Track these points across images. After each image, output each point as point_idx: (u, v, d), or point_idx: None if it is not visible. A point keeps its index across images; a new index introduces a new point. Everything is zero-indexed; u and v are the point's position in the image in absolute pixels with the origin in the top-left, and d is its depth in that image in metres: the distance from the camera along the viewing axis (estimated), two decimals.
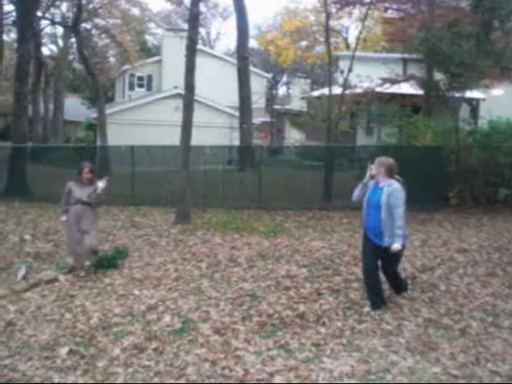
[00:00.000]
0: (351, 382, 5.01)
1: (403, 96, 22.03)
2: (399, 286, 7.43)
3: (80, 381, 5.13)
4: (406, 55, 21.63)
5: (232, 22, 55.74)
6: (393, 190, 6.63)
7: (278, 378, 5.09)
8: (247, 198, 16.06)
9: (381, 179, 6.81)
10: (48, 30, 37.93)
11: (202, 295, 7.69)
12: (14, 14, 24.53)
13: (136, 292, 8.01)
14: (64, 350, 5.84)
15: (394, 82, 21.01)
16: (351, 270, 8.83)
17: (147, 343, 5.97)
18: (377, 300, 6.96)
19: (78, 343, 6.05)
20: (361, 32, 20.52)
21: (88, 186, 9.02)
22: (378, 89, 21.38)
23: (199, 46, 21.66)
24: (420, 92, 19.58)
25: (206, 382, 5.07)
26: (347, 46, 40.11)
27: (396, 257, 6.96)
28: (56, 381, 5.16)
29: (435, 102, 18.41)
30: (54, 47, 43.49)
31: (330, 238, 11.75)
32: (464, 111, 19.09)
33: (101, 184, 8.95)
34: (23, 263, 9.66)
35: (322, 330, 6.28)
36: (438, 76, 16.80)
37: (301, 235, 12.02)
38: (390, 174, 6.79)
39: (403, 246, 6.80)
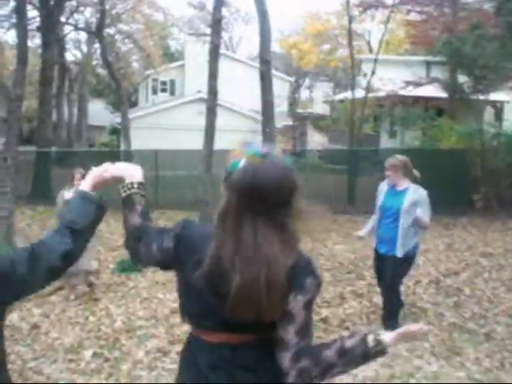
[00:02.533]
0: None
1: (427, 99, 21.90)
2: (393, 308, 6.42)
3: None
4: (429, 58, 21.56)
5: (254, 26, 55.91)
6: (420, 196, 6.01)
7: None
8: None
9: (398, 181, 6.14)
10: (72, 35, 38.30)
11: None
12: (38, 19, 24.78)
13: (160, 295, 8.05)
14: (88, 353, 5.88)
15: (417, 84, 20.93)
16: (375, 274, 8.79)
17: (171, 346, 5.99)
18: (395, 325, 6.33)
19: (102, 346, 6.09)
20: (383, 35, 20.46)
21: None
22: (401, 92, 21.30)
23: (222, 51, 21.69)
24: (444, 95, 19.46)
25: None
26: (370, 49, 39.90)
27: (405, 267, 6.26)
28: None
29: (459, 104, 18.29)
30: (77, 53, 43.88)
31: (354, 241, 11.70)
32: (488, 114, 18.92)
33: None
34: None
35: (346, 334, 6.25)
36: (462, 78, 16.71)
37: (324, 239, 12.00)
38: (408, 173, 6.15)
39: (413, 256, 6.27)
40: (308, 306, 2.05)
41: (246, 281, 1.97)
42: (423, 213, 5.95)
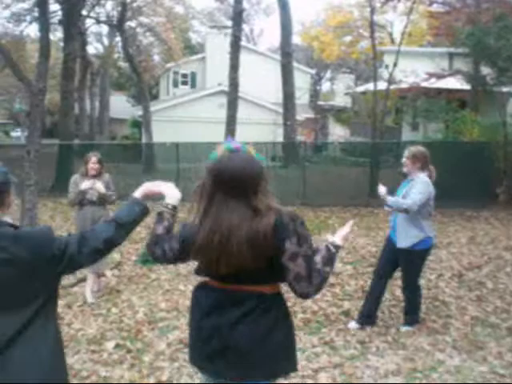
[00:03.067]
0: (397, 379, 4.98)
1: (449, 91, 21.70)
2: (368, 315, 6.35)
3: (126, 375, 5.21)
4: (451, 49, 21.32)
5: (275, 18, 55.73)
6: (418, 181, 5.89)
7: (322, 375, 5.09)
8: (291, 194, 16.05)
9: (412, 172, 6.03)
10: (93, 28, 38.62)
11: None
12: (59, 13, 24.94)
13: (181, 287, 8.09)
14: (111, 344, 5.94)
15: (439, 76, 20.71)
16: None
17: None
18: (416, 317, 6.35)
19: (125, 337, 6.14)
20: (406, 26, 20.27)
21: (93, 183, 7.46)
22: (424, 84, 21.10)
23: (243, 43, 21.67)
24: (466, 87, 19.27)
25: None
26: (392, 41, 39.67)
27: (410, 262, 6.09)
28: (103, 374, 5.24)
29: (482, 96, 18.11)
30: (99, 46, 44.21)
31: (375, 235, 11.68)
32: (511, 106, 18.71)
33: (98, 184, 7.42)
34: None
35: (367, 327, 6.24)
36: (485, 70, 16.53)
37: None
38: (425, 166, 6.02)
39: (425, 251, 6.08)
40: (300, 241, 2.69)
41: (204, 243, 2.78)
42: (415, 193, 5.81)
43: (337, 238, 2.88)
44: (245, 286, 2.78)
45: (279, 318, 2.83)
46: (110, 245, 2.78)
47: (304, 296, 2.71)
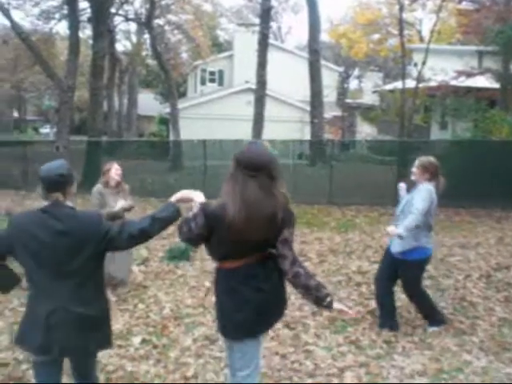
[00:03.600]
0: (422, 380, 4.96)
1: (478, 89, 21.48)
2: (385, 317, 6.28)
3: (152, 370, 5.25)
4: (481, 48, 21.11)
5: (303, 16, 55.73)
6: (420, 189, 5.85)
7: (348, 374, 5.08)
8: (318, 192, 16.02)
9: (420, 181, 5.98)
10: (122, 26, 38.82)
11: None
12: (88, 10, 25.20)
13: (207, 284, 8.12)
14: (137, 340, 5.98)
15: (469, 75, 20.53)
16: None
17: (218, 334, 6.04)
18: (438, 317, 6.27)
19: (151, 333, 6.19)
20: (435, 24, 20.12)
21: (116, 192, 7.23)
22: (453, 82, 20.93)
23: (270, 41, 21.70)
24: (496, 85, 19.06)
25: (276, 374, 5.11)
26: (421, 39, 39.33)
27: (406, 270, 6.04)
28: (129, 369, 5.29)
29: None
30: (127, 43, 44.48)
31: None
32: None
33: (121, 203, 7.09)
34: None
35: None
36: None
37: (372, 231, 11.93)
38: (433, 177, 5.97)
39: (421, 261, 6.01)
40: (292, 233, 3.61)
41: (235, 215, 3.39)
42: (417, 201, 5.77)
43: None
44: (257, 254, 3.58)
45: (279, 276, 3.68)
46: (144, 234, 3.58)
47: (287, 271, 3.55)
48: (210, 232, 3.50)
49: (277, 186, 3.53)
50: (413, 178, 6.07)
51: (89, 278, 3.48)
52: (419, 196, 5.80)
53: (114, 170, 7.25)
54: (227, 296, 3.64)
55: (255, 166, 3.46)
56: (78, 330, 3.42)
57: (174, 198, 3.65)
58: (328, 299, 3.50)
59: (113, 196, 7.15)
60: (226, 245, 3.53)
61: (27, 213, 3.60)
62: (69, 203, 3.53)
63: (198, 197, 3.62)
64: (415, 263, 5.99)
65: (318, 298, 3.51)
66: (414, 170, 6.04)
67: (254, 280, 3.55)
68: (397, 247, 5.96)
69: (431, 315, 6.22)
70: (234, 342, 3.71)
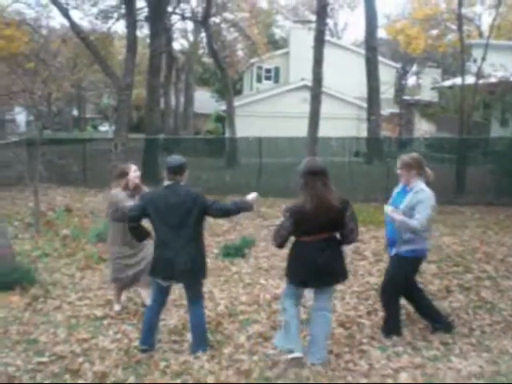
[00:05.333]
0: (479, 382, 4.84)
1: None
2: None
3: (206, 366, 5.28)
4: None
5: (360, 12, 55.18)
6: (423, 197, 5.68)
7: (403, 375, 5.00)
8: (375, 190, 15.84)
9: (410, 181, 5.83)
10: (179, 25, 39.15)
11: None
12: (146, 9, 25.53)
13: (262, 281, 8.14)
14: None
15: None
16: (483, 267, 8.53)
17: (272, 332, 6.05)
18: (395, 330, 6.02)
19: (206, 329, 6.22)
20: (494, 19, 19.64)
21: (132, 195, 6.86)
22: None
23: (327, 37, 21.54)
24: None
25: (330, 374, 5.08)
26: (480, 34, 38.47)
27: (398, 268, 5.96)
28: (183, 365, 5.32)
29: None
30: (184, 42, 44.88)
31: (461, 233, 11.39)
32: None
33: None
34: None
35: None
36: None
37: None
38: (420, 171, 5.86)
39: (416, 260, 5.92)
40: (352, 212, 5.27)
41: (316, 205, 5.09)
42: (418, 214, 5.60)
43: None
44: (327, 233, 5.26)
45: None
46: (226, 212, 5.64)
47: (352, 240, 5.39)
48: (296, 225, 5.15)
49: (330, 184, 5.23)
50: (402, 181, 5.92)
51: (195, 232, 5.52)
52: (423, 206, 5.63)
53: (133, 173, 6.96)
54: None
55: (317, 171, 5.17)
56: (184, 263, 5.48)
57: (251, 198, 5.73)
58: None
59: (129, 199, 6.71)
60: (304, 225, 5.14)
61: (155, 190, 5.92)
62: (182, 183, 5.53)
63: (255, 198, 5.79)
64: (411, 261, 5.86)
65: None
66: (399, 171, 5.89)
67: (319, 251, 5.20)
68: (394, 250, 5.90)
69: (391, 327, 6.00)
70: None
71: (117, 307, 7.20)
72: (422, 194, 5.70)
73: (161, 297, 5.81)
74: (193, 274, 5.56)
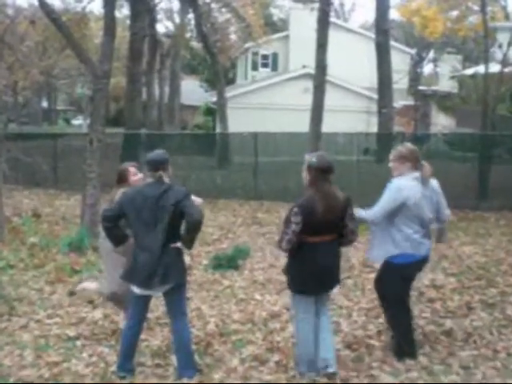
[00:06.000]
0: None
1: None
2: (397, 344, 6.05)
3: None
4: None
5: None
6: (388, 188, 5.75)
7: None
8: None
9: (404, 174, 5.80)
10: (163, 4, 39.13)
11: (331, 304, 7.67)
12: None
13: (258, 297, 8.14)
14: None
15: None
16: (509, 281, 8.54)
17: (269, 355, 6.04)
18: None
19: (193, 351, 6.21)
20: None
21: None
22: None
23: (332, 19, 21.59)
24: None
25: None
26: (506, 16, 38.57)
27: (384, 272, 6.04)
28: None
29: None
30: (169, 24, 44.86)
31: (485, 242, 11.41)
32: None
33: None
34: None
35: (473, 350, 6.10)
36: None
37: (449, 238, 11.75)
38: (416, 165, 5.85)
39: (403, 266, 5.84)
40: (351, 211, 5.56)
41: (325, 205, 5.29)
42: (376, 205, 5.75)
43: None
44: (333, 233, 5.48)
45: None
46: (194, 229, 5.48)
47: (353, 239, 5.67)
48: (304, 223, 5.26)
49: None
50: (395, 174, 5.89)
51: (172, 228, 5.48)
52: (382, 197, 5.74)
53: (133, 178, 6.73)
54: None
55: (330, 169, 5.44)
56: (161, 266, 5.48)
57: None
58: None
59: None
60: (311, 224, 5.28)
61: (135, 188, 5.86)
62: (166, 180, 5.54)
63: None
64: (396, 267, 5.83)
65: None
66: (391, 164, 5.91)
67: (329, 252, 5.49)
68: (375, 255, 6.03)
69: (403, 348, 5.94)
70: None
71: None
72: (389, 185, 5.77)
73: (139, 312, 5.75)
74: (171, 277, 5.49)
